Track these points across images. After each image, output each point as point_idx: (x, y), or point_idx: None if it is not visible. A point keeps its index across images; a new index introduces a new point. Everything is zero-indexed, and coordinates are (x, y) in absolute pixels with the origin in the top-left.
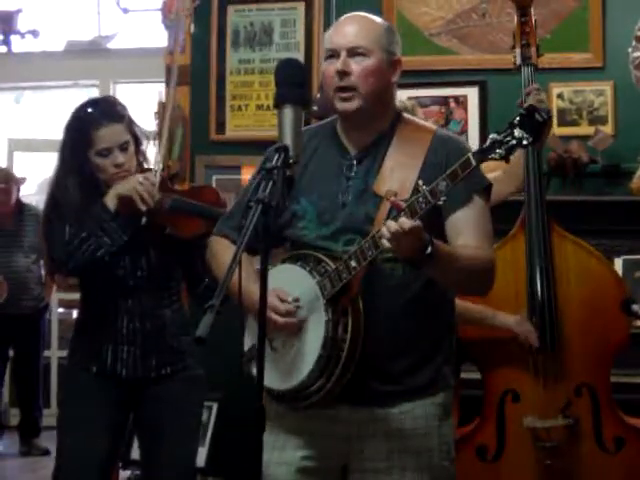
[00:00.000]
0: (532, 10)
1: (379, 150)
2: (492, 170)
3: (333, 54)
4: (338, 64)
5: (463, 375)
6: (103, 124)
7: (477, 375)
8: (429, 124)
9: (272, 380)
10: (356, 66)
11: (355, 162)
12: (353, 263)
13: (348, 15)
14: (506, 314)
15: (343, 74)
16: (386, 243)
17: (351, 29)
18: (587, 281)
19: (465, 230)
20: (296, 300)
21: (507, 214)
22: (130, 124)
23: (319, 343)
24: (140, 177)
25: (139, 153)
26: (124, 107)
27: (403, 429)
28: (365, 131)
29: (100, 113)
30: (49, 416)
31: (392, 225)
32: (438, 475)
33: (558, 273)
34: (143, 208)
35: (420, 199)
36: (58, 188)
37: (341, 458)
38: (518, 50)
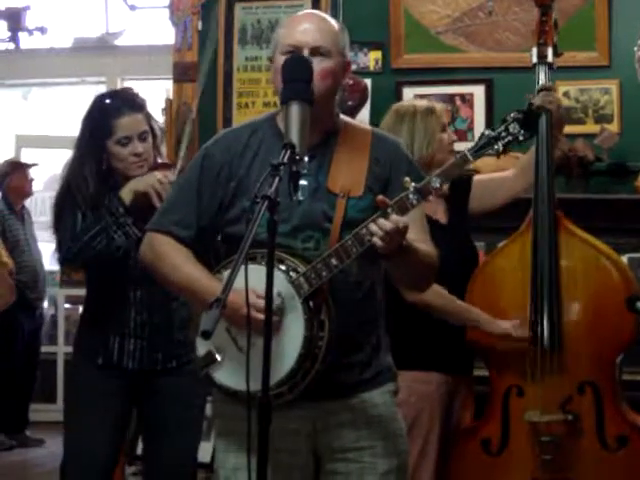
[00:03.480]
0: (553, 10)
1: (327, 148)
2: (502, 169)
3: (294, 50)
4: None
5: (478, 372)
6: (124, 113)
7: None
8: (363, 124)
9: (238, 381)
10: (316, 66)
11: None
12: (334, 261)
13: (307, 12)
14: (501, 321)
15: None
16: (378, 241)
17: (313, 27)
18: (593, 279)
19: (413, 225)
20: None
21: (515, 212)
22: (149, 117)
23: (299, 342)
24: (160, 175)
25: (155, 147)
26: (143, 99)
27: (367, 416)
28: (311, 129)
29: (121, 102)
30: (55, 411)
31: (386, 224)
32: (404, 460)
33: (564, 270)
34: (158, 205)
35: (410, 196)
36: (74, 176)
37: (312, 452)
38: (535, 49)
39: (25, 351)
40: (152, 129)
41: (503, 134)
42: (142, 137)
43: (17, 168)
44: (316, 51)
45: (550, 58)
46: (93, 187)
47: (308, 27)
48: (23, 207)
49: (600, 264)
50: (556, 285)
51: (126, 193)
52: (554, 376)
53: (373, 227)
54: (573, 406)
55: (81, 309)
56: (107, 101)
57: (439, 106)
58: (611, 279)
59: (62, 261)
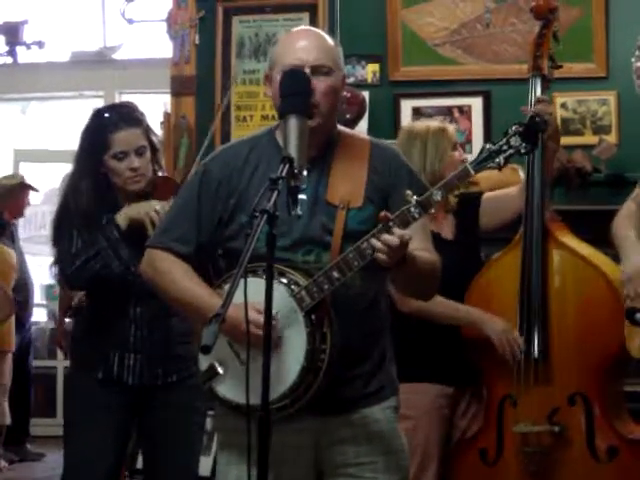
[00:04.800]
0: (555, 23)
1: (325, 161)
2: (507, 185)
3: (296, 69)
4: None
5: None
6: (120, 127)
7: None
8: (362, 134)
9: (240, 395)
10: (319, 84)
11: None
12: (335, 274)
13: (303, 29)
14: (495, 321)
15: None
16: (382, 256)
17: (312, 45)
18: (583, 290)
19: (415, 234)
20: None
21: (513, 223)
22: (147, 131)
23: (301, 355)
24: (157, 205)
25: (155, 161)
26: (142, 114)
27: (368, 432)
28: (310, 146)
29: (118, 117)
30: (55, 426)
31: (392, 240)
32: (405, 475)
33: (553, 282)
34: (151, 234)
35: (412, 209)
36: (71, 191)
37: (313, 466)
38: (531, 61)
39: (17, 365)
40: (151, 143)
41: (504, 147)
42: (139, 152)
43: (24, 188)
44: (317, 69)
45: (546, 70)
46: (88, 203)
47: (307, 45)
48: (13, 223)
49: (588, 276)
50: (544, 297)
51: (122, 219)
52: (543, 387)
53: (376, 243)
54: (560, 417)
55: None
56: (105, 115)
57: (451, 127)
58: (599, 291)
59: (59, 282)
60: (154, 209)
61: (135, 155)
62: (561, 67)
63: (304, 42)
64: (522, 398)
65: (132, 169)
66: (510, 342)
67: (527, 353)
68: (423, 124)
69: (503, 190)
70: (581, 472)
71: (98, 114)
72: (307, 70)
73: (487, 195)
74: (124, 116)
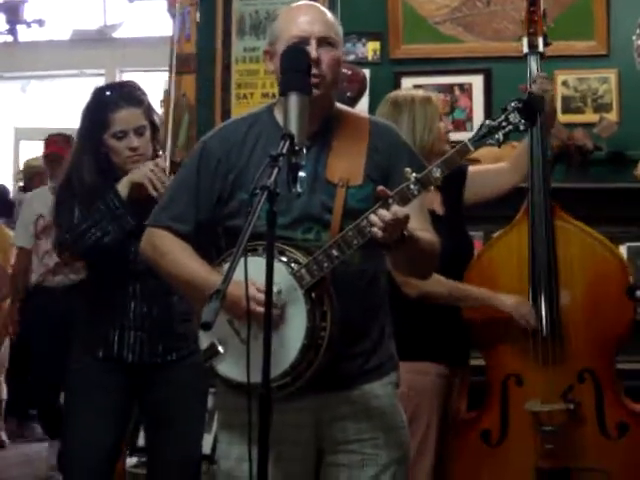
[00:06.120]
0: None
1: (324, 138)
2: (498, 160)
3: (301, 41)
4: (313, 52)
5: (473, 362)
6: (120, 106)
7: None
8: (360, 112)
9: (241, 373)
10: (325, 55)
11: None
12: (335, 252)
13: (304, 4)
14: (506, 296)
15: (317, 62)
16: (378, 232)
17: (318, 18)
18: (590, 267)
19: (414, 214)
20: (278, 292)
21: (512, 200)
22: (148, 110)
23: (302, 333)
24: (151, 164)
25: (155, 140)
26: (144, 93)
27: (369, 409)
28: (310, 119)
29: (118, 96)
30: None
31: (386, 215)
32: (406, 451)
33: (561, 259)
34: (154, 194)
35: (411, 186)
36: (73, 167)
37: (314, 444)
38: (525, 39)
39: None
40: (152, 123)
41: (503, 124)
42: (138, 132)
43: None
44: (324, 41)
45: (541, 47)
46: (91, 179)
47: (312, 18)
48: None
49: (597, 251)
50: (554, 273)
51: (122, 186)
52: (554, 365)
53: (373, 218)
54: (574, 395)
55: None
56: (105, 94)
57: (435, 95)
58: (609, 266)
59: (58, 251)
60: (149, 168)
61: (134, 134)
62: (551, 44)
63: (308, 15)
64: (530, 376)
65: (131, 149)
66: (527, 311)
67: (537, 331)
68: (407, 93)
69: (491, 165)
70: (592, 449)
71: (99, 92)
72: (313, 41)
73: (473, 169)
74: (124, 95)
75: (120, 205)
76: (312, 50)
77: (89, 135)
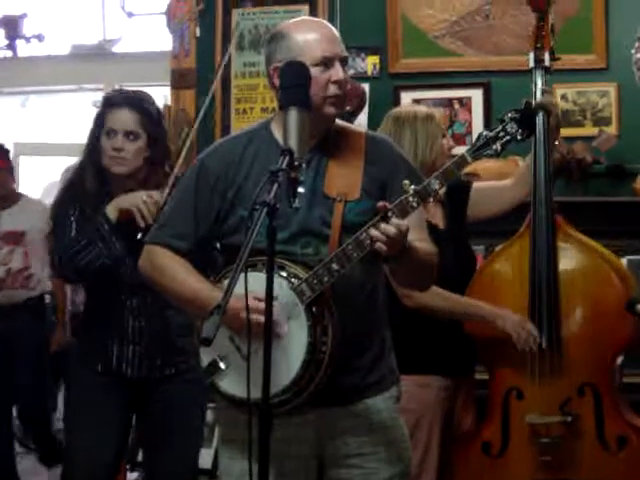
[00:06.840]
0: (550, 15)
1: (322, 153)
2: (500, 176)
3: (327, 62)
4: (340, 74)
5: (477, 375)
6: (119, 107)
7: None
8: (356, 126)
9: (243, 389)
10: (345, 75)
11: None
12: (335, 266)
13: (316, 21)
14: (508, 314)
15: (344, 83)
16: (382, 246)
17: (336, 37)
18: (591, 281)
19: (412, 225)
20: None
21: (515, 214)
22: (149, 122)
23: (303, 348)
24: (144, 195)
25: (152, 158)
26: (153, 104)
27: (370, 423)
28: (311, 135)
29: (123, 98)
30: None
31: (389, 229)
32: (407, 466)
33: (563, 273)
34: (142, 224)
35: (410, 199)
36: (79, 167)
37: (315, 458)
38: (532, 53)
39: None
40: (151, 137)
41: (501, 134)
42: (129, 136)
43: None
44: (343, 60)
45: (547, 62)
46: (90, 180)
47: (332, 37)
48: None
49: (598, 267)
50: (555, 288)
51: (111, 210)
52: (553, 378)
53: (375, 232)
54: (572, 407)
55: None
56: (114, 95)
57: (438, 112)
58: (609, 281)
59: (54, 273)
60: (142, 199)
61: (123, 136)
62: (559, 59)
63: (329, 34)
64: (530, 390)
65: (115, 148)
66: (527, 334)
67: (538, 345)
68: (410, 110)
69: (495, 182)
70: (591, 462)
71: (110, 93)
72: (337, 63)
73: (477, 186)
74: (128, 99)
75: (109, 230)
76: (339, 72)
77: (91, 135)
